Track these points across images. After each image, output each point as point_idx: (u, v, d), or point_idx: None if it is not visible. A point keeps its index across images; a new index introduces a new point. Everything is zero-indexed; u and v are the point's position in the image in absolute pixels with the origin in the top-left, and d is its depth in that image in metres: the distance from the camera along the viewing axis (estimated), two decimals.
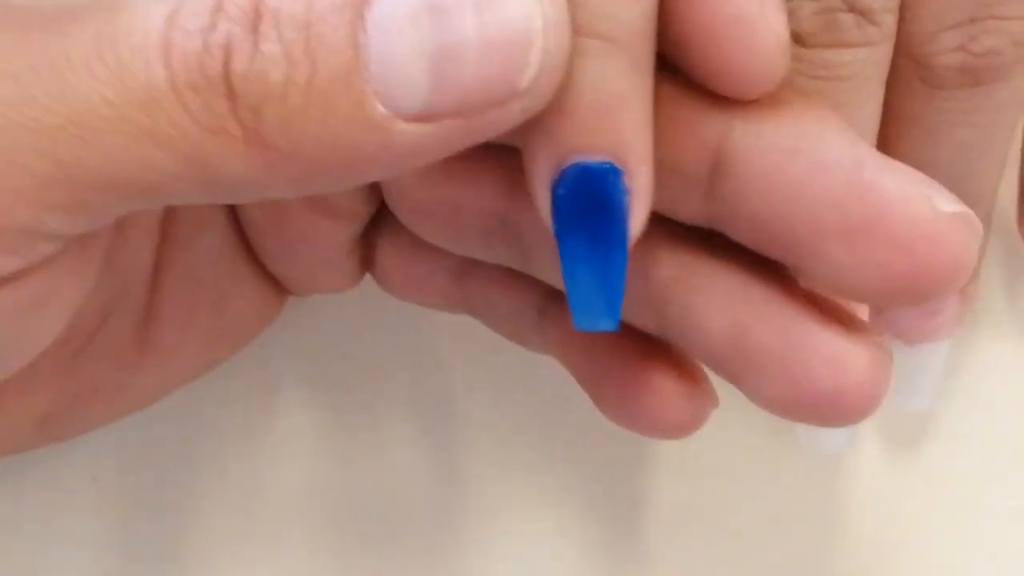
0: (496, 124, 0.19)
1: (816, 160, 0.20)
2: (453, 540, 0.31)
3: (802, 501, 0.31)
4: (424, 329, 0.32)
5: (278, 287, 0.28)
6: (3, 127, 0.18)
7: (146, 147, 0.18)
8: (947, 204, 0.20)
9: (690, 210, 0.22)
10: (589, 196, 0.20)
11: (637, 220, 0.20)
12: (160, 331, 0.26)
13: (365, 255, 0.27)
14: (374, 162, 0.19)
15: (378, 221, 0.26)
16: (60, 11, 0.19)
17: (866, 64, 0.25)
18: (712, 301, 0.22)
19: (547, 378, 0.30)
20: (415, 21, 0.18)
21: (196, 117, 0.18)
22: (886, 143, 0.26)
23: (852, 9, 0.24)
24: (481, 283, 0.26)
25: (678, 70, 0.21)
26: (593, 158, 0.20)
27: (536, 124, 0.20)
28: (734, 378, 0.22)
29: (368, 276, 0.28)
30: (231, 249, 0.27)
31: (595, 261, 0.20)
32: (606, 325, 0.21)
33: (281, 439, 0.31)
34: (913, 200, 0.20)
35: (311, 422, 0.32)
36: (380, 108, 0.18)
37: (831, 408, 0.21)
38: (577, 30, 0.19)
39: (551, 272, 0.24)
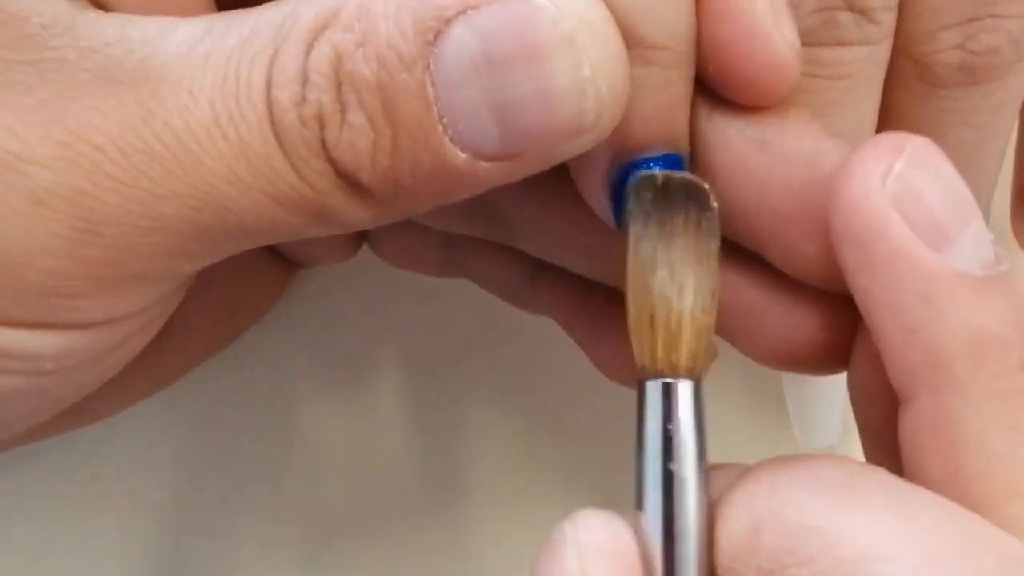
0: (572, 151, 0.20)
1: (778, 151, 0.21)
2: (453, 536, 0.32)
3: None
4: (428, 323, 0.32)
5: (284, 262, 0.29)
6: (147, 200, 0.20)
7: (273, 209, 0.20)
8: None
9: None
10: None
11: None
12: (179, 308, 0.27)
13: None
14: (464, 192, 0.20)
15: None
16: (145, 66, 0.20)
17: (865, 63, 0.25)
18: None
19: (548, 377, 0.30)
20: (474, 73, 0.19)
21: (310, 182, 0.20)
22: None
23: (851, 7, 0.24)
24: (470, 253, 0.27)
25: None
26: (656, 151, 0.21)
27: None
28: (727, 335, 0.23)
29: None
30: None
31: None
32: None
33: (282, 437, 0.32)
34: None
35: (312, 422, 0.32)
36: (461, 154, 0.19)
37: (818, 361, 0.22)
38: (639, 43, 0.20)
39: (538, 247, 0.25)
